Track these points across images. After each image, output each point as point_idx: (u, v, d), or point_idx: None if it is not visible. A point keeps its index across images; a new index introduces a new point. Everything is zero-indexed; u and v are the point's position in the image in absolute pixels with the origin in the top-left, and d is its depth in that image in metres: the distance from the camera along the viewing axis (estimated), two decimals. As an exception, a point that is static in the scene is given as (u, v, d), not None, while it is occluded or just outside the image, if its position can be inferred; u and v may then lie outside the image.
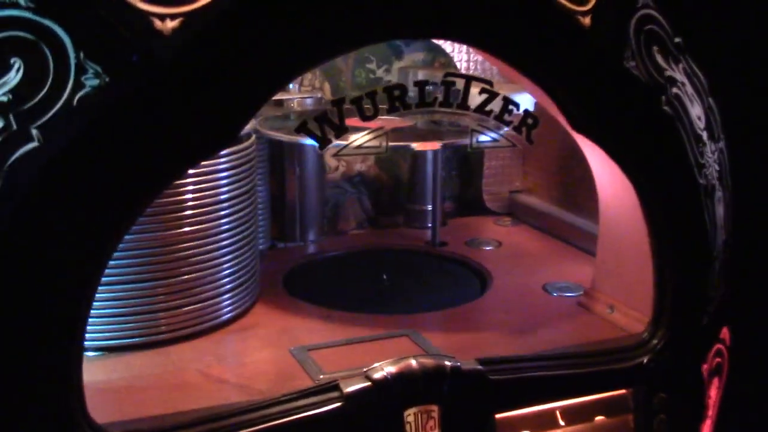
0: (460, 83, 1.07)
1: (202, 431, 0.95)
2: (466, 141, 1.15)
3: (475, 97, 1.06)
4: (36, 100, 0.82)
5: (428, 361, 1.05)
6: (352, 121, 1.03)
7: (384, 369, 1.02)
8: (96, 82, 0.83)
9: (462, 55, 1.83)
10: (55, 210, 0.84)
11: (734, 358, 1.34)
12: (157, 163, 0.88)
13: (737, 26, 1.54)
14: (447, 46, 1.83)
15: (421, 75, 1.72)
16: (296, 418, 0.99)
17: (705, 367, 1.27)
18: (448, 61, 1.86)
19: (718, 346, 1.30)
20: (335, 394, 1.01)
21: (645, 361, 1.18)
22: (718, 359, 1.30)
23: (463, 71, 1.82)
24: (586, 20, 1.05)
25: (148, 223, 1.18)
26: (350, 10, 0.92)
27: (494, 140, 1.13)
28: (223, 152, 1.23)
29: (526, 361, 1.13)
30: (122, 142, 0.85)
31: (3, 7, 0.83)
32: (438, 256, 1.68)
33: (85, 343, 0.91)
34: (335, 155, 1.05)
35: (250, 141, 1.33)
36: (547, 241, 1.75)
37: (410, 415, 1.03)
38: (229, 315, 1.30)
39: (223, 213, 1.27)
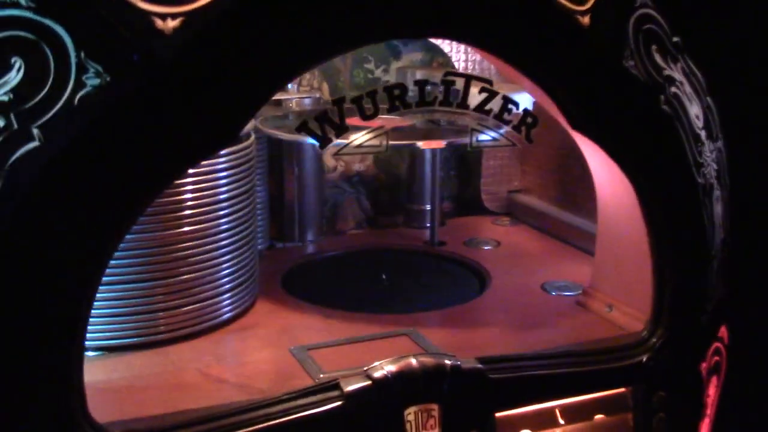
0: (459, 83, 1.07)
1: (203, 430, 0.95)
2: (468, 140, 1.15)
3: (475, 97, 1.06)
4: (37, 99, 0.82)
5: (428, 360, 1.05)
6: (352, 121, 1.03)
7: (384, 368, 1.03)
8: (97, 81, 0.83)
9: (460, 55, 1.83)
10: (56, 209, 0.84)
11: (732, 357, 1.34)
12: (158, 163, 0.88)
13: (735, 25, 1.54)
14: (445, 45, 1.83)
15: (419, 75, 1.72)
16: (297, 417, 0.99)
17: (704, 365, 1.27)
18: (446, 60, 1.86)
19: (717, 344, 1.30)
20: (336, 393, 1.01)
21: (644, 359, 1.18)
22: (716, 358, 1.30)
23: (461, 71, 1.82)
24: (585, 19, 1.05)
25: (147, 222, 1.18)
26: (350, 9, 0.92)
27: (494, 139, 1.13)
28: (223, 152, 1.24)
29: (525, 359, 1.14)
30: (123, 142, 0.85)
31: (3, 6, 0.83)
32: (437, 256, 1.68)
33: (85, 342, 0.91)
34: (336, 154, 1.05)
35: (249, 141, 1.33)
36: (546, 241, 1.75)
37: (410, 414, 1.03)
38: (228, 315, 1.30)
39: (222, 213, 1.27)
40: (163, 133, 0.87)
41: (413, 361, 1.04)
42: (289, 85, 1.72)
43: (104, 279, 0.90)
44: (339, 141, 1.02)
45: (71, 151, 0.83)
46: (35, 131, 0.82)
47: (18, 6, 0.83)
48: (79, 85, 0.83)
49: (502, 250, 1.70)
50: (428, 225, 1.79)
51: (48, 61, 0.82)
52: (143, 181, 0.88)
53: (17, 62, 0.82)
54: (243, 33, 0.89)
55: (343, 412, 1.00)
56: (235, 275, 1.30)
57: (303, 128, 0.99)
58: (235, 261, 1.30)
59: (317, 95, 1.75)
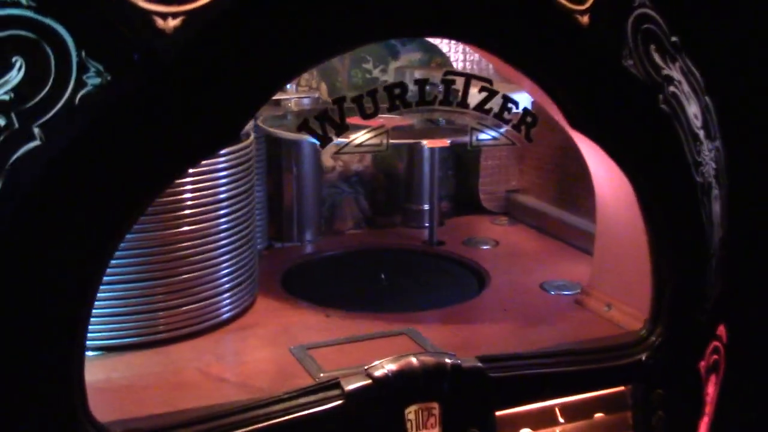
0: (458, 82, 1.08)
1: (204, 429, 0.95)
2: (467, 139, 1.15)
3: (474, 96, 1.07)
4: (38, 98, 0.82)
5: (429, 359, 1.05)
6: (352, 120, 1.03)
7: (385, 367, 1.03)
8: (98, 80, 0.83)
9: (458, 55, 1.83)
10: (57, 209, 0.83)
11: (730, 356, 1.35)
12: (159, 162, 0.88)
13: (733, 25, 1.55)
14: (443, 45, 1.84)
15: (417, 75, 1.72)
16: (297, 416, 0.99)
17: (702, 364, 1.27)
18: (444, 60, 1.86)
19: (715, 343, 1.30)
20: (336, 391, 1.01)
21: (643, 358, 1.19)
22: (715, 356, 1.30)
23: (460, 71, 1.82)
24: (585, 19, 1.05)
25: (146, 222, 1.18)
26: (351, 8, 0.92)
27: (494, 138, 1.14)
28: (222, 151, 1.24)
29: (525, 358, 1.14)
30: (124, 141, 0.85)
31: (4, 6, 0.83)
32: (435, 256, 1.69)
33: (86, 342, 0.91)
34: (337, 153, 1.05)
35: (249, 140, 1.33)
36: (544, 240, 1.75)
37: (411, 412, 1.03)
38: (228, 314, 1.30)
39: (221, 212, 1.27)
40: (163, 133, 0.87)
41: (414, 360, 1.04)
42: (288, 85, 1.72)
43: (104, 278, 0.90)
44: (340, 140, 1.02)
45: (72, 150, 0.83)
46: (36, 130, 0.82)
47: (19, 5, 0.83)
48: (80, 84, 0.83)
49: (500, 249, 1.71)
50: (426, 225, 1.79)
51: (49, 60, 0.82)
52: (144, 181, 0.88)
53: (18, 61, 0.82)
54: (244, 32, 0.89)
55: (343, 411, 1.00)
56: (235, 275, 1.30)
57: (304, 127, 0.99)
58: (234, 260, 1.30)
59: (316, 95, 1.75)
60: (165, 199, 1.19)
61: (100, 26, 0.84)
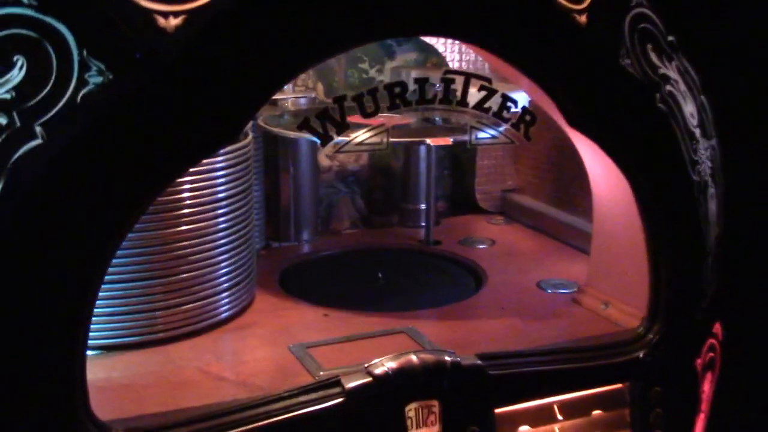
0: (456, 81, 1.08)
1: (205, 428, 0.95)
2: (467, 137, 1.16)
3: (474, 95, 1.07)
4: (39, 97, 0.82)
5: (429, 357, 1.05)
6: (351, 119, 1.04)
7: (385, 364, 1.03)
8: (99, 79, 0.83)
9: (454, 55, 1.84)
10: (59, 207, 0.83)
11: (726, 353, 1.36)
12: (160, 161, 0.88)
13: (729, 24, 1.56)
14: (439, 45, 1.84)
15: (414, 74, 1.73)
16: (298, 414, 0.99)
17: (699, 361, 1.28)
18: (440, 60, 1.87)
19: (711, 340, 1.31)
20: (337, 389, 1.01)
21: (641, 355, 1.19)
22: (711, 354, 1.31)
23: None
24: (583, 18, 1.06)
25: (145, 221, 1.18)
26: (352, 8, 0.93)
27: (493, 137, 1.14)
28: (221, 151, 1.24)
29: (524, 356, 1.14)
30: (126, 140, 0.85)
31: (5, 5, 0.83)
32: (432, 255, 1.69)
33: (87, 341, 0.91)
34: (338, 151, 1.05)
35: (247, 140, 1.34)
36: (540, 240, 1.76)
37: (411, 410, 1.04)
38: (226, 314, 1.30)
39: (220, 212, 1.27)
40: (165, 132, 0.87)
41: (414, 358, 1.04)
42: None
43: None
44: (340, 139, 1.03)
45: (74, 149, 0.83)
46: (38, 129, 0.82)
47: (20, 4, 0.83)
48: (82, 83, 0.83)
49: (496, 248, 1.71)
50: (423, 224, 1.80)
51: (50, 59, 0.82)
52: (145, 180, 0.88)
53: (19, 60, 0.82)
54: (244, 32, 0.89)
55: (344, 409, 1.00)
56: (233, 274, 1.30)
57: (305, 126, 0.99)
58: (233, 260, 1.30)
59: (312, 95, 1.75)
60: (163, 198, 1.19)
61: (101, 25, 0.84)
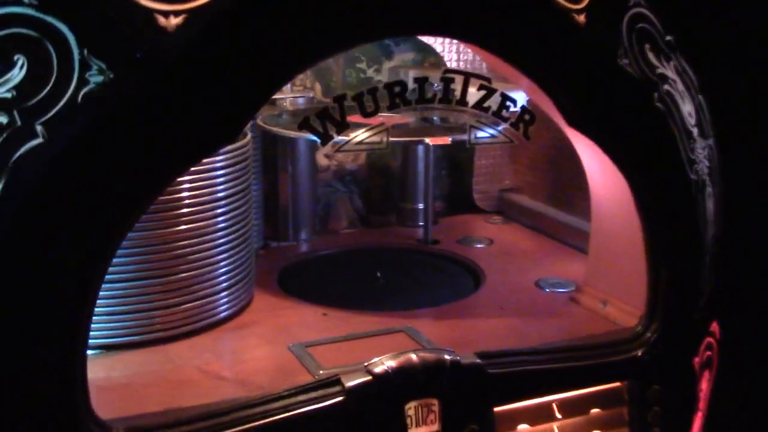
0: (455, 81, 1.08)
1: (205, 427, 0.95)
2: (466, 137, 1.16)
3: (473, 94, 1.08)
4: (40, 96, 0.82)
5: (428, 355, 1.06)
6: (351, 118, 1.04)
7: (384, 363, 1.03)
8: (100, 78, 0.83)
9: (452, 55, 1.84)
10: (60, 206, 0.84)
11: (723, 352, 1.36)
12: (161, 160, 0.88)
13: (726, 24, 1.56)
14: (437, 45, 1.85)
15: (411, 74, 1.73)
16: (298, 413, 0.99)
17: (696, 360, 1.28)
18: (438, 60, 1.87)
19: (709, 339, 1.32)
20: (337, 388, 1.01)
21: (639, 354, 1.20)
22: (708, 352, 1.32)
23: (454, 71, 1.83)
24: (581, 18, 1.06)
25: (144, 221, 1.18)
26: (352, 7, 0.93)
27: (492, 136, 1.15)
28: (220, 150, 1.24)
29: (523, 354, 1.15)
30: (126, 139, 0.85)
31: (6, 4, 0.83)
32: (431, 254, 1.69)
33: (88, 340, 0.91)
34: (337, 150, 1.05)
35: (246, 139, 1.34)
36: (538, 239, 1.76)
37: (411, 408, 1.04)
38: (225, 313, 1.30)
39: (219, 211, 1.27)
40: (165, 131, 0.88)
41: (413, 357, 1.05)
42: (282, 85, 1.72)
43: (103, 277, 0.91)
44: (340, 138, 1.03)
45: (74, 148, 0.83)
46: (38, 128, 0.82)
47: (20, 3, 0.83)
48: (83, 82, 0.83)
49: (494, 248, 1.71)
50: (421, 224, 1.80)
51: (51, 58, 0.83)
52: (146, 179, 0.88)
53: (20, 60, 0.82)
54: (245, 31, 0.89)
55: (344, 408, 1.01)
56: (232, 273, 1.31)
57: (305, 125, 0.99)
58: (232, 259, 1.30)
59: (311, 95, 1.75)
60: (162, 197, 1.18)
61: (102, 24, 0.84)
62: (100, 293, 1.13)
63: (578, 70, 1.08)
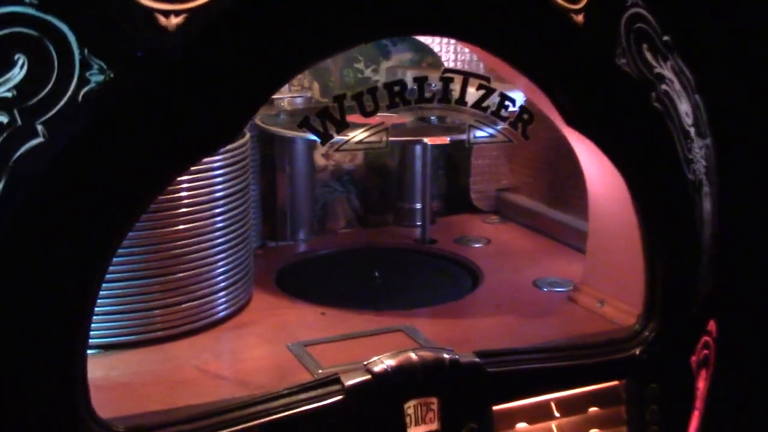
0: (453, 80, 1.09)
1: (205, 425, 0.96)
2: (466, 136, 1.17)
3: (472, 94, 1.08)
4: (40, 96, 0.82)
5: (427, 354, 1.06)
6: (350, 118, 1.04)
7: (384, 362, 1.04)
8: (101, 77, 0.83)
9: (449, 55, 1.84)
10: (60, 206, 0.84)
11: (720, 351, 1.37)
12: (161, 159, 0.89)
13: (723, 24, 1.57)
14: (435, 45, 1.85)
15: (409, 74, 1.73)
16: (298, 412, 0.99)
17: (694, 358, 1.29)
18: (435, 60, 1.87)
19: (706, 338, 1.32)
20: (336, 387, 1.02)
21: (637, 352, 1.20)
22: (705, 351, 1.32)
23: (451, 71, 1.83)
24: (579, 18, 1.07)
25: (143, 220, 1.18)
26: (351, 7, 0.93)
27: (491, 135, 1.15)
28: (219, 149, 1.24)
29: (522, 353, 1.15)
30: (127, 138, 0.85)
31: (6, 3, 0.83)
32: (428, 254, 1.70)
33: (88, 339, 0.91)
34: (337, 150, 1.05)
35: (244, 139, 1.34)
36: (535, 238, 1.77)
37: (410, 407, 1.04)
38: (224, 312, 1.30)
39: (218, 211, 1.27)
40: (166, 130, 0.88)
41: (413, 356, 1.05)
42: (280, 85, 1.72)
43: (102, 276, 0.91)
44: (339, 137, 1.03)
45: (75, 147, 0.83)
46: (39, 127, 0.82)
47: (21, 3, 0.83)
48: (83, 81, 0.83)
49: (492, 247, 1.72)
50: (418, 223, 1.81)
51: (51, 57, 0.83)
52: (146, 178, 0.89)
53: (20, 59, 0.82)
54: (245, 30, 0.89)
55: (343, 406, 1.01)
56: (231, 273, 1.31)
57: (305, 124, 0.99)
58: (230, 259, 1.30)
59: (308, 94, 1.76)
60: (161, 197, 1.18)
61: (102, 24, 0.84)
62: (99, 292, 1.14)
63: (576, 70, 1.09)
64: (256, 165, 1.60)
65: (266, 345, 1.22)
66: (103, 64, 0.83)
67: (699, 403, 1.33)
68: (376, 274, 1.55)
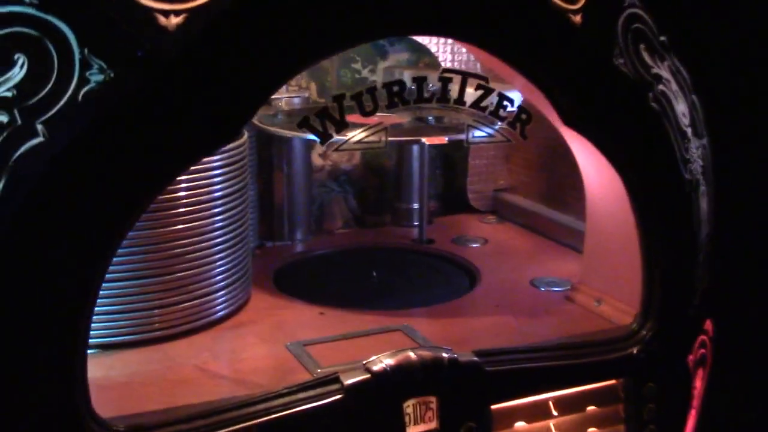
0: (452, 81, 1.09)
1: (205, 424, 0.96)
2: (464, 136, 1.17)
3: (470, 94, 1.08)
4: (41, 95, 0.82)
5: (426, 353, 1.06)
6: (349, 118, 1.04)
7: (383, 361, 1.04)
8: (101, 77, 0.83)
9: (446, 55, 1.85)
10: (60, 205, 0.84)
11: (716, 350, 1.37)
12: (161, 159, 0.89)
13: (720, 24, 1.58)
14: (432, 45, 1.85)
15: (406, 74, 1.74)
16: (297, 411, 1.00)
17: (691, 358, 1.30)
18: (432, 60, 1.88)
19: (703, 337, 1.33)
20: (336, 386, 1.02)
21: (635, 351, 1.21)
22: (702, 350, 1.33)
23: (448, 71, 1.84)
24: (577, 18, 1.07)
25: (142, 220, 1.17)
26: (351, 7, 0.94)
27: (489, 135, 1.15)
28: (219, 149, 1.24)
29: (520, 352, 1.15)
30: (127, 138, 0.86)
31: (6, 3, 0.83)
32: (426, 254, 1.70)
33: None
34: (336, 150, 1.06)
35: (243, 139, 1.34)
36: (532, 238, 1.77)
37: (409, 406, 1.04)
38: (222, 312, 1.30)
39: (216, 210, 1.27)
40: (166, 130, 0.88)
41: (412, 355, 1.05)
42: (278, 85, 1.72)
43: (101, 276, 0.91)
44: (338, 137, 1.03)
45: (75, 147, 0.83)
46: (39, 127, 0.82)
47: (21, 3, 0.83)
48: (83, 81, 0.83)
49: (489, 247, 1.72)
50: (416, 223, 1.81)
51: (51, 57, 0.83)
52: (146, 177, 0.89)
53: (20, 58, 0.82)
54: (245, 30, 0.89)
55: (343, 406, 1.01)
56: (229, 272, 1.31)
57: (304, 124, 1.00)
58: (229, 258, 1.30)
59: (306, 94, 1.76)
60: (160, 197, 1.18)
61: (102, 23, 0.84)
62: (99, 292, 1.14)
63: (574, 70, 1.09)
64: (253, 165, 1.60)
65: (265, 344, 1.23)
66: (103, 64, 0.83)
67: (696, 402, 1.34)
68: (374, 274, 1.55)
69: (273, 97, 1.69)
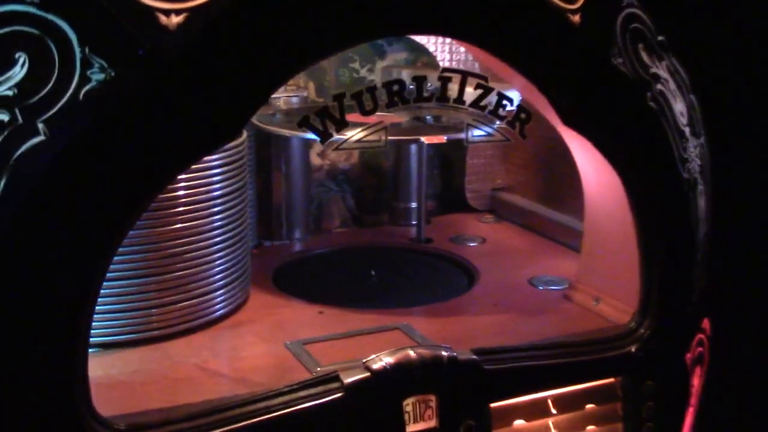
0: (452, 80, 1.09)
1: (206, 423, 0.96)
2: (463, 135, 1.17)
3: (469, 93, 1.09)
4: (42, 94, 0.82)
5: (426, 352, 1.07)
6: (348, 117, 1.05)
7: (383, 359, 1.04)
8: (102, 76, 0.84)
9: (444, 55, 1.85)
10: (61, 204, 0.84)
11: (714, 348, 1.38)
12: (162, 158, 0.89)
13: (718, 24, 1.58)
14: (430, 45, 1.86)
15: (404, 74, 1.74)
16: (297, 409, 1.00)
17: (688, 356, 1.30)
18: (430, 60, 1.88)
19: (700, 335, 1.33)
20: (336, 384, 1.02)
21: (633, 350, 1.21)
22: (700, 349, 1.33)
23: (447, 71, 1.84)
24: (576, 18, 1.08)
25: (141, 219, 1.17)
26: (351, 7, 0.94)
27: (488, 134, 1.16)
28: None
29: (519, 351, 1.16)
30: (128, 136, 0.86)
31: (7, 2, 0.83)
32: (424, 253, 1.70)
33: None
34: (336, 149, 1.06)
35: (242, 138, 1.34)
36: (530, 237, 1.78)
37: (409, 404, 1.05)
38: (221, 311, 1.31)
39: (215, 209, 1.27)
40: (166, 129, 0.88)
41: (411, 353, 1.05)
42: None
43: (101, 275, 0.91)
44: (338, 137, 1.04)
45: (76, 145, 0.83)
46: (40, 126, 0.82)
47: (22, 2, 0.83)
48: (84, 80, 0.83)
49: (487, 246, 1.72)
50: (414, 222, 1.81)
51: (52, 56, 0.83)
52: (147, 176, 0.89)
53: (21, 57, 0.83)
54: (245, 30, 0.90)
55: (342, 404, 1.01)
56: (228, 271, 1.31)
57: (305, 123, 1.00)
58: (228, 257, 1.30)
59: (304, 94, 1.76)
60: (159, 196, 1.19)
61: (103, 22, 0.85)
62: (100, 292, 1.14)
63: (573, 69, 1.10)
64: (252, 165, 1.60)
65: (264, 343, 1.23)
66: (104, 63, 0.84)
67: (694, 400, 1.34)
68: (373, 273, 1.56)
69: (272, 96, 1.70)
